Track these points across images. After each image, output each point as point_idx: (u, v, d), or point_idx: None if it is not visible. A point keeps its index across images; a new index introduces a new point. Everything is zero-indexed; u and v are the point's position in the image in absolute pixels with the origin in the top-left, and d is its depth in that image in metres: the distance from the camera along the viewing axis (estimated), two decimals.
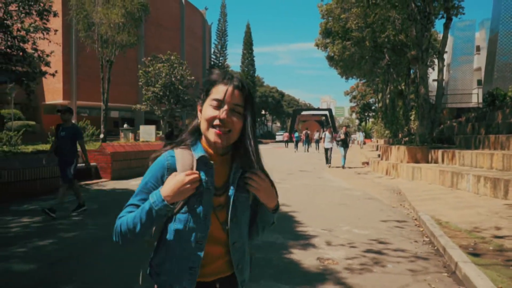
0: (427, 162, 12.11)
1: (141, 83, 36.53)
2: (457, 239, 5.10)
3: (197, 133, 1.34)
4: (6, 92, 20.27)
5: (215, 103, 1.24)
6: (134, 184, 10.40)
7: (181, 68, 37.35)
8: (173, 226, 1.27)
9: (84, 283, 3.64)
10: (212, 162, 1.29)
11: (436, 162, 11.86)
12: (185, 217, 1.26)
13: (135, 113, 40.63)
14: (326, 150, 17.03)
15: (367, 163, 17.88)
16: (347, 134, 16.72)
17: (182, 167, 1.27)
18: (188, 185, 1.18)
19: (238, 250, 1.33)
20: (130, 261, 4.16)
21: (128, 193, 8.22)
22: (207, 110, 1.26)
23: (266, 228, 1.44)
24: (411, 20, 13.09)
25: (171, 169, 1.28)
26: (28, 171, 8.37)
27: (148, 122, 41.34)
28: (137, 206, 1.25)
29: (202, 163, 1.28)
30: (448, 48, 40.61)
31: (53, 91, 37.29)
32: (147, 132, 18.43)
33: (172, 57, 36.93)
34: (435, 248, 5.02)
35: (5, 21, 15.80)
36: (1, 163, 7.85)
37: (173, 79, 36.55)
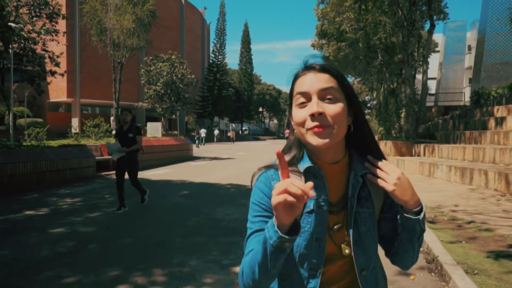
0: (411, 155, 13.43)
1: (143, 82, 37.75)
2: None
3: (299, 148, 1.08)
4: (3, 89, 21.27)
5: (301, 99, 1.00)
6: (149, 174, 11.67)
7: (181, 67, 38.56)
8: None
9: (138, 238, 4.92)
10: (322, 172, 1.05)
11: (419, 155, 13.18)
12: (296, 242, 1.01)
13: (136, 110, 41.78)
14: None
15: None
16: None
17: None
18: (295, 197, 0.80)
19: (368, 280, 1.05)
20: (163, 223, 5.45)
21: (146, 181, 9.52)
22: (295, 113, 1.02)
23: (415, 241, 1.05)
24: (397, 26, 14.38)
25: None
26: (60, 161, 9.61)
27: (148, 119, 42.53)
28: (262, 230, 0.98)
29: (310, 176, 1.04)
30: (441, 47, 42.04)
31: (57, 89, 38.36)
32: (154, 129, 19.67)
33: (173, 56, 38.13)
34: None
35: (18, 24, 16.89)
36: (38, 155, 9.08)
37: (174, 77, 37.77)
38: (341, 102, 0.99)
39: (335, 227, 1.04)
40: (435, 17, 15.76)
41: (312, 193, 0.80)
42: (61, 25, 25.38)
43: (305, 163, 1.04)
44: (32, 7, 21.38)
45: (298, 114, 1.00)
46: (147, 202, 6.81)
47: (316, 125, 0.95)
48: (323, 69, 1.02)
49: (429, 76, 43.86)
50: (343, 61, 28.15)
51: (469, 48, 41.91)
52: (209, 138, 46.10)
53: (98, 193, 8.14)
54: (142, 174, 11.64)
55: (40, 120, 28.53)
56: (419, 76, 40.79)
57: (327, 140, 0.96)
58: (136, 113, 45.05)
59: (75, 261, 4.05)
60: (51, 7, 22.19)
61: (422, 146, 13.11)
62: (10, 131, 15.08)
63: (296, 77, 1.05)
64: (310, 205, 1.02)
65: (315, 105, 0.96)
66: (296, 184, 0.79)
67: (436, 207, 6.88)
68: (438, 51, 43.22)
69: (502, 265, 3.84)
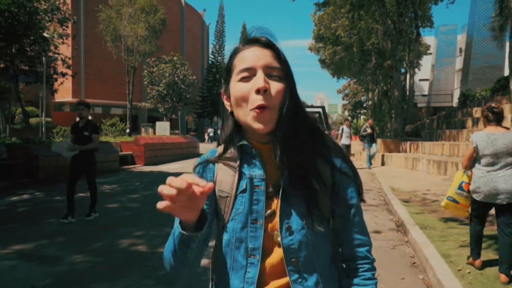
0: (399, 151, 14.95)
1: (146, 82, 39.16)
2: (400, 196, 7.90)
3: (236, 129, 0.99)
4: (18, 90, 22.57)
5: (244, 73, 0.89)
6: (164, 168, 13.12)
7: (183, 68, 39.99)
8: (224, 236, 0.97)
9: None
10: (256, 150, 0.95)
11: (405, 151, 14.70)
12: (232, 225, 0.94)
13: (138, 110, 43.09)
14: (345, 147, 13.97)
15: (353, 155, 20.71)
16: (373, 128, 13.97)
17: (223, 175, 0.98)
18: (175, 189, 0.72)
19: (300, 271, 0.92)
20: None
21: (163, 174, 10.96)
22: (236, 87, 0.90)
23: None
24: (387, 35, 15.89)
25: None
26: None
27: (150, 119, 43.93)
28: None
29: (245, 155, 0.97)
30: (433, 50, 43.58)
31: (62, 89, 39.57)
32: (162, 128, 21.13)
33: (174, 58, 39.55)
34: (385, 200, 7.80)
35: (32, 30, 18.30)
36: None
37: (176, 78, 39.19)
38: (283, 81, 0.90)
39: (267, 212, 0.93)
40: (421, 26, 17.21)
41: (201, 186, 0.72)
42: (68, 28, 26.76)
43: (241, 142, 0.96)
44: (45, 13, 22.77)
45: (240, 87, 0.89)
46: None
47: (260, 104, 0.85)
48: (268, 44, 0.92)
49: (422, 77, 45.62)
50: (339, 63, 29.68)
51: (460, 50, 43.58)
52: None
53: (128, 181, 9.60)
54: (158, 168, 13.08)
55: (49, 119, 29.88)
56: (413, 78, 42.41)
57: (268, 126, 0.87)
58: (139, 113, 46.41)
59: (137, 223, 5.52)
60: (62, 12, 23.60)
61: (408, 143, 14.62)
62: (42, 129, 16.52)
63: (236, 51, 0.95)
64: (243, 185, 0.95)
65: (261, 80, 0.86)
66: (184, 177, 0.72)
67: (412, 191, 8.39)
68: (431, 54, 44.77)
69: (448, 225, 5.34)
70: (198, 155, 20.76)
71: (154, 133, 20.69)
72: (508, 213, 3.33)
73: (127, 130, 20.86)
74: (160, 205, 0.72)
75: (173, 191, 0.71)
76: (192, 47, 56.95)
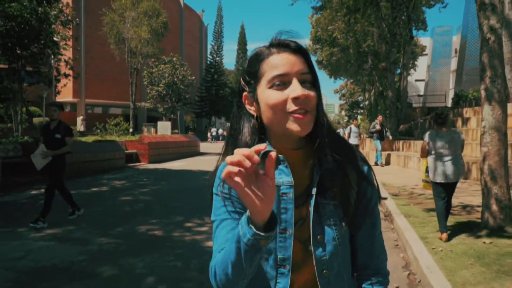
0: (392, 150, 15.58)
1: (145, 83, 39.72)
2: (390, 190, 8.52)
3: (254, 136, 0.93)
4: (17, 90, 23.09)
5: (277, 80, 0.86)
6: (168, 166, 13.71)
7: (182, 68, 40.56)
8: None
9: (187, 203, 6.98)
10: (281, 156, 0.81)
11: (398, 150, 15.34)
12: None
13: (138, 110, 43.69)
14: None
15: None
16: (383, 125, 13.67)
17: None
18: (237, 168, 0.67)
19: (331, 282, 0.91)
20: (200, 195, 7.53)
21: (166, 172, 11.53)
22: (269, 95, 0.86)
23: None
24: (381, 38, 16.52)
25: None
26: (100, 154, 11.63)
27: (149, 119, 44.47)
28: (228, 219, 0.91)
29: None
30: (428, 50, 44.31)
31: (63, 89, 40.03)
32: (164, 127, 21.74)
33: (174, 59, 40.12)
34: None
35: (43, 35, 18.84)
36: (84, 147, 11.09)
37: (175, 79, 39.76)
38: (315, 88, 0.89)
39: (297, 221, 0.90)
40: (415, 29, 17.86)
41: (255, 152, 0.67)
42: (70, 30, 27.33)
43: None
44: (56, 19, 23.37)
45: (274, 96, 0.85)
46: (176, 187, 8.67)
47: (299, 109, 0.83)
48: (299, 49, 0.89)
49: (418, 78, 46.33)
50: (336, 64, 30.31)
51: (456, 51, 44.37)
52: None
53: (137, 177, 10.22)
54: (162, 166, 13.66)
55: None
56: (408, 78, 43.10)
57: (308, 129, 0.85)
58: (138, 113, 46.94)
59: (151, 213, 6.12)
60: (65, 14, 24.17)
61: (401, 142, 15.26)
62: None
63: (264, 55, 0.90)
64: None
65: (299, 88, 0.83)
66: (239, 151, 0.67)
67: (401, 186, 9.02)
68: (426, 54, 45.47)
69: (429, 214, 5.96)
70: (199, 153, 21.53)
71: (156, 132, 21.30)
72: (451, 189, 4.56)
73: (130, 130, 21.45)
74: (229, 170, 0.66)
75: (238, 157, 0.66)
76: (190, 48, 57.52)
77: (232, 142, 0.96)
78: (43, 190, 8.10)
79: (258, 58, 0.91)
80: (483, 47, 4.74)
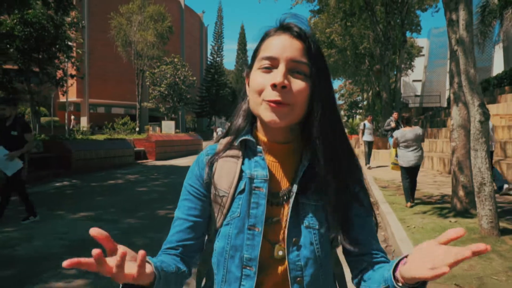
0: (386, 148, 16.42)
1: (148, 83, 40.54)
2: (379, 183, 9.37)
3: (245, 119, 0.92)
4: (25, 90, 23.91)
5: (266, 63, 0.81)
6: (174, 162, 14.55)
7: (183, 69, 41.38)
8: (217, 242, 0.86)
9: None
10: (259, 146, 0.87)
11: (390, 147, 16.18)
12: (226, 230, 0.84)
13: (140, 110, 44.47)
14: (368, 144, 12.84)
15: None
16: (398, 122, 12.27)
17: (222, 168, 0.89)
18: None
19: None
20: None
21: (173, 167, 12.35)
22: (255, 77, 0.82)
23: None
24: (376, 42, 17.36)
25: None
26: (112, 150, 12.48)
27: (151, 118, 45.31)
28: (186, 220, 0.91)
29: (249, 151, 0.89)
30: (425, 51, 45.12)
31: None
32: (168, 127, 22.59)
33: (175, 59, 40.93)
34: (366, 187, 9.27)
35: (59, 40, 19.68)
36: (98, 145, 11.94)
37: (176, 79, 40.57)
38: (309, 80, 0.80)
39: (272, 219, 0.83)
40: (409, 32, 18.69)
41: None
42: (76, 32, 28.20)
43: (245, 136, 0.87)
44: (71, 26, 24.24)
45: (258, 79, 0.80)
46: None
47: (276, 99, 0.76)
48: (300, 35, 0.81)
49: (415, 78, 47.13)
50: (334, 65, 31.14)
51: None
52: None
53: (147, 172, 11.07)
54: (168, 163, 14.50)
55: (56, 118, 31.27)
56: (406, 79, 43.87)
57: (282, 121, 0.78)
58: (140, 112, 47.75)
59: (165, 200, 6.96)
60: (71, 17, 25.01)
61: None
62: (66, 127, 17.95)
63: (266, 36, 0.85)
64: (241, 185, 0.84)
65: (280, 75, 0.77)
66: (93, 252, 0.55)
67: (391, 180, 9.86)
68: (423, 55, 46.25)
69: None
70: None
71: (161, 131, 22.17)
72: (413, 172, 6.25)
73: (137, 129, 22.30)
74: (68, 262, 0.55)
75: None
76: (191, 48, 58.38)
77: (231, 124, 0.95)
78: (66, 183, 8.97)
79: (262, 36, 0.86)
80: (451, 57, 5.56)
